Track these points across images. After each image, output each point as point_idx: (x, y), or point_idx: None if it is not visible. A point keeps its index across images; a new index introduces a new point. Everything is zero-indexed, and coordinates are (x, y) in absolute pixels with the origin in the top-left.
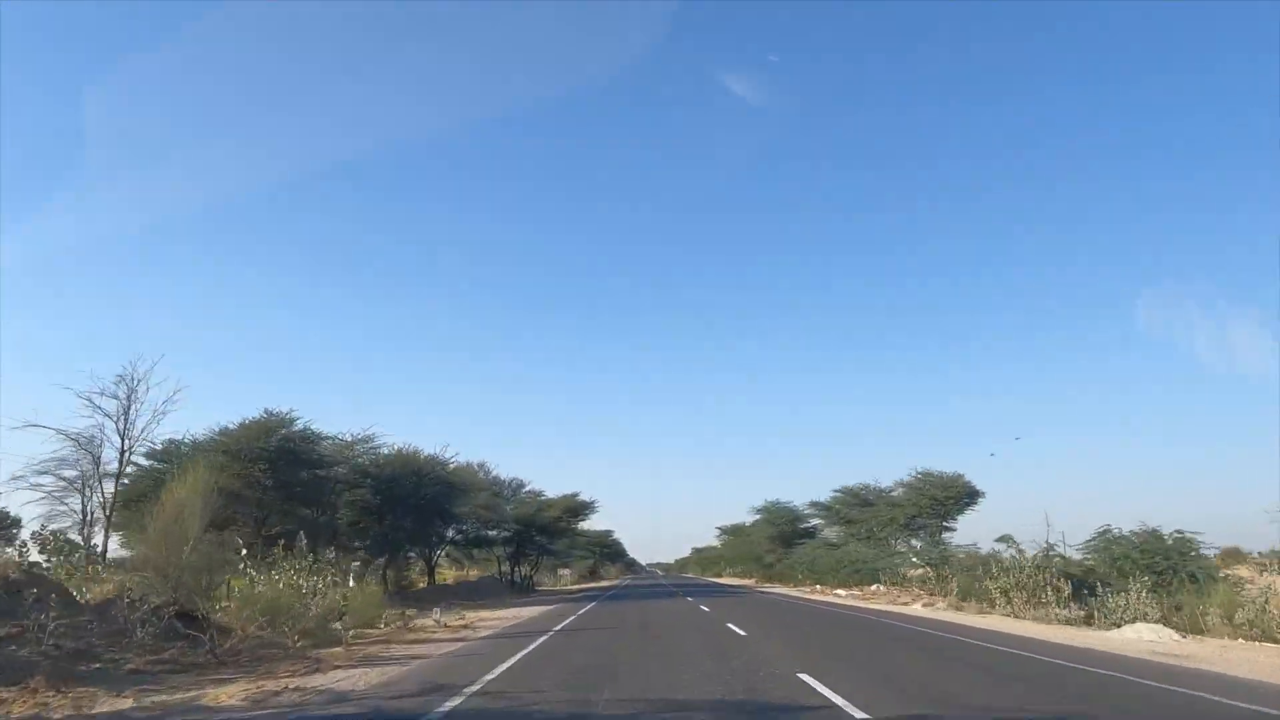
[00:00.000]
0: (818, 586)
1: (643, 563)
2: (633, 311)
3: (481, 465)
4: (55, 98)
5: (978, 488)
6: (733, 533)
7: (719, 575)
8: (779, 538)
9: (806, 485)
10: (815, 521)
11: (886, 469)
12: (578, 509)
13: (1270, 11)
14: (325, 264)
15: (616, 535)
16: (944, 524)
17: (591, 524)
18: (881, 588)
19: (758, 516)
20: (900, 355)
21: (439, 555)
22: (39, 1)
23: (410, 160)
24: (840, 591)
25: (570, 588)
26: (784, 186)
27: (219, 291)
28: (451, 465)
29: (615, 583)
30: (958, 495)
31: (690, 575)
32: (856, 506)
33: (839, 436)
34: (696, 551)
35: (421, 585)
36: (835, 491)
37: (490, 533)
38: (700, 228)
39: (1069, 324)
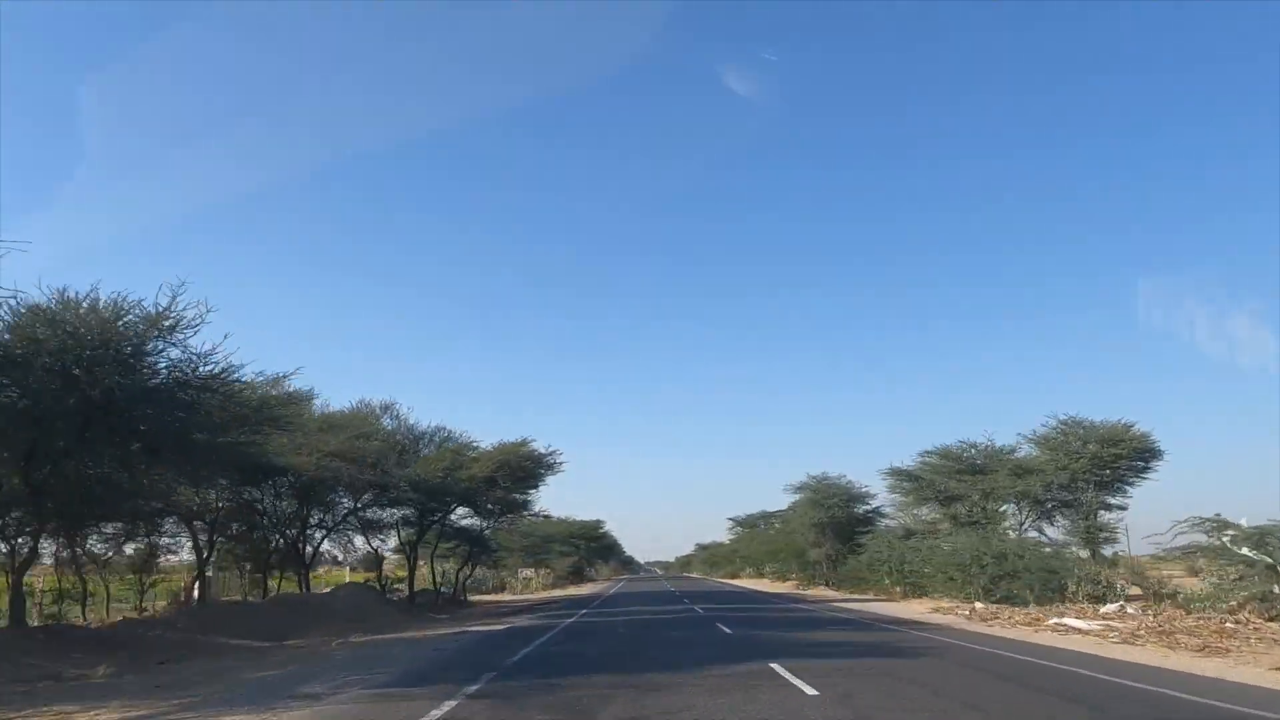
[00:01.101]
0: (956, 605)
1: (641, 561)
2: (623, 297)
3: (387, 407)
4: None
5: (1158, 445)
6: (749, 524)
7: (734, 576)
8: (830, 525)
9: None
10: (879, 502)
11: (883, 460)
12: (527, 467)
13: (1271, 9)
14: (329, 264)
15: (609, 528)
16: (1104, 498)
17: (577, 512)
18: (1129, 609)
19: (796, 497)
20: (903, 342)
21: (316, 548)
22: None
23: (405, 155)
24: (1077, 624)
25: (529, 598)
26: (781, 177)
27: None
28: (215, 354)
29: (602, 589)
30: (1128, 453)
31: (695, 575)
32: (958, 475)
33: (837, 431)
34: (702, 548)
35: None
36: (923, 455)
37: (392, 511)
38: (697, 218)
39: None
